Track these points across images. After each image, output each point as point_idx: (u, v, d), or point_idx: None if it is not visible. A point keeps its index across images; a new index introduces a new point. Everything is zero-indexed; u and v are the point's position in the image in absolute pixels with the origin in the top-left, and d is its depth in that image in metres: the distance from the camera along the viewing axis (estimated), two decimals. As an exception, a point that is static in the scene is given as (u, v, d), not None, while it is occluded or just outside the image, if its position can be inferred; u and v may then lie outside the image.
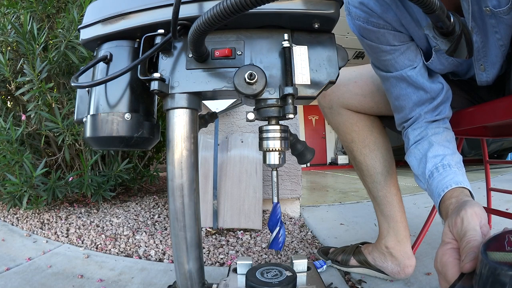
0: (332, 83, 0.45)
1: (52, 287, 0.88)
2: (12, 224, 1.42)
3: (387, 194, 0.87)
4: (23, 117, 1.39)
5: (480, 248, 0.31)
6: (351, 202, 2.18)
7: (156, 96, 0.49)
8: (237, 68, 0.42)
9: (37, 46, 1.30)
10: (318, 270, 0.76)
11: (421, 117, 0.68)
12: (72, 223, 1.40)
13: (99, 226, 1.38)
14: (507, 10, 0.51)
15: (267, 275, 0.48)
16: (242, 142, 1.54)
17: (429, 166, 0.60)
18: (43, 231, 1.32)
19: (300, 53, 0.45)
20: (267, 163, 0.46)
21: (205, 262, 1.08)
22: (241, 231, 1.36)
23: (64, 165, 1.65)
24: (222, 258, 1.11)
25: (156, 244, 1.20)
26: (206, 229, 1.37)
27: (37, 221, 1.42)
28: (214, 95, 0.47)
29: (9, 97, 1.66)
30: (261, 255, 1.13)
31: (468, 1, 0.53)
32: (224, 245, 1.22)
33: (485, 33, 0.57)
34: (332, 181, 4.00)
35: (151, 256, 1.12)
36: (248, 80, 0.41)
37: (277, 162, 0.45)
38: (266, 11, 0.42)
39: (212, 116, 0.65)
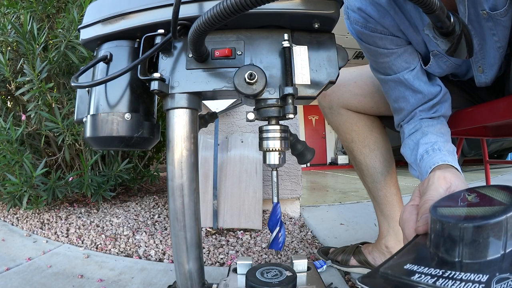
0: (332, 83, 0.45)
1: (52, 287, 0.88)
2: (12, 224, 1.42)
3: (387, 194, 0.87)
4: (23, 117, 1.39)
5: (431, 206, 0.31)
6: (351, 202, 2.18)
7: (156, 96, 0.49)
8: (237, 68, 0.42)
9: (37, 46, 1.30)
10: (318, 270, 0.76)
11: (417, 114, 0.69)
12: (72, 223, 1.40)
13: (99, 226, 1.38)
14: (504, 12, 0.51)
15: (267, 275, 0.48)
16: (242, 142, 1.54)
17: (420, 151, 0.60)
18: (43, 231, 1.32)
19: (300, 53, 0.45)
20: (267, 163, 0.46)
21: (205, 262, 1.08)
22: (241, 231, 1.36)
23: (64, 165, 1.65)
24: (222, 258, 1.11)
25: (156, 244, 1.20)
26: (206, 229, 1.37)
27: (37, 221, 1.42)
28: (214, 95, 0.47)
29: (9, 97, 1.66)
30: (261, 255, 1.13)
31: (465, 4, 0.53)
32: (224, 245, 1.22)
33: (482, 35, 0.57)
34: (332, 181, 4.00)
35: (151, 256, 1.12)
36: (248, 80, 0.41)
37: (277, 162, 0.45)
38: (266, 11, 0.42)
39: (212, 116, 0.65)
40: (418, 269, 0.27)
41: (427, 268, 0.26)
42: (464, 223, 0.25)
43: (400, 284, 0.26)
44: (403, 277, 0.26)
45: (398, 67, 0.67)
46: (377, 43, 0.65)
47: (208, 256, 1.12)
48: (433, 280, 0.25)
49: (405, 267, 0.28)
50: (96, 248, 1.19)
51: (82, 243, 1.23)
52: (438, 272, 0.26)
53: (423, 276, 0.26)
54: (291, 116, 0.42)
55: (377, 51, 0.67)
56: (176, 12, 0.38)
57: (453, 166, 0.52)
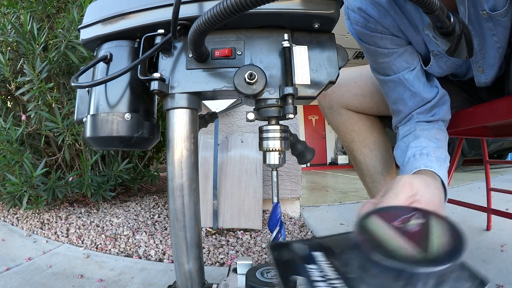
0: (332, 83, 0.45)
1: (52, 287, 0.88)
2: (12, 224, 1.42)
3: (387, 194, 0.87)
4: (23, 117, 1.39)
5: (367, 210, 0.29)
6: (351, 202, 2.18)
7: (156, 96, 0.49)
8: (237, 68, 0.42)
9: (37, 46, 1.30)
10: (318, 270, 0.76)
11: (413, 117, 0.68)
12: (72, 223, 1.40)
13: (99, 226, 1.38)
14: (504, 12, 0.51)
15: (267, 275, 0.48)
16: (242, 142, 1.54)
17: (408, 154, 0.59)
18: (43, 231, 1.32)
19: (300, 53, 0.45)
20: (267, 163, 0.46)
21: (205, 262, 1.08)
22: (241, 231, 1.36)
23: (64, 165, 1.65)
24: (222, 258, 1.11)
25: (156, 244, 1.20)
26: (206, 229, 1.37)
27: (37, 221, 1.42)
28: (214, 95, 0.47)
29: (9, 97, 1.66)
30: (261, 255, 1.13)
31: (465, 5, 0.53)
32: (224, 245, 1.22)
33: (482, 36, 0.57)
34: (332, 181, 4.00)
35: (151, 256, 1.12)
36: (248, 80, 0.41)
37: (277, 162, 0.45)
38: (266, 11, 0.42)
39: (212, 116, 0.65)
40: (320, 260, 0.25)
41: (328, 265, 0.25)
42: (375, 253, 0.22)
43: (291, 264, 0.25)
44: (300, 260, 0.25)
45: (398, 67, 0.67)
46: (377, 43, 0.65)
47: (208, 256, 1.12)
48: (319, 278, 0.23)
49: (312, 252, 0.26)
50: (96, 248, 1.19)
51: (82, 243, 1.23)
52: (331, 276, 0.24)
53: (315, 271, 0.24)
54: (291, 116, 0.42)
55: (377, 51, 0.67)
56: (176, 12, 0.38)
57: (436, 174, 0.51)
